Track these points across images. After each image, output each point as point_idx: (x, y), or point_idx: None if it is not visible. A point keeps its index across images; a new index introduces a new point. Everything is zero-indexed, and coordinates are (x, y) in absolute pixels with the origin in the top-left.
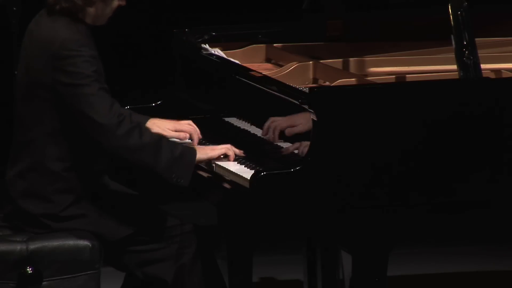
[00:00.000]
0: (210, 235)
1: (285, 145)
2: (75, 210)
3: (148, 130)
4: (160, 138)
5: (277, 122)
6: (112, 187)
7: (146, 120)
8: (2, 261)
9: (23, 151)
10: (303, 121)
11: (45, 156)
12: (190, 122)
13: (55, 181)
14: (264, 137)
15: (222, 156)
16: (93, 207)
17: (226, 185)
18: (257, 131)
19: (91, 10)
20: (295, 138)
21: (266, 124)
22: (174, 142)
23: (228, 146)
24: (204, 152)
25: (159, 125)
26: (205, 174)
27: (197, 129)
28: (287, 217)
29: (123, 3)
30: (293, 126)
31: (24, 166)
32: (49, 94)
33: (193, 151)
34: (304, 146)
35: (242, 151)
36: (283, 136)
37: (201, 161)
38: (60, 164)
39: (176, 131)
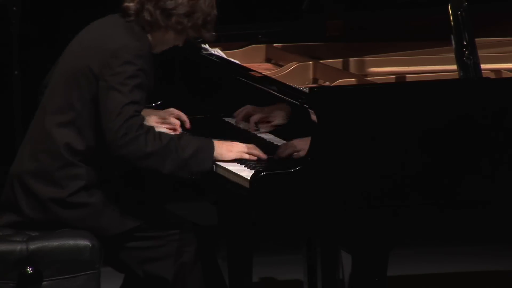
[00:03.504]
0: (210, 235)
1: (276, 140)
2: (81, 198)
3: (157, 135)
4: (169, 141)
5: (251, 110)
6: (117, 183)
7: None
8: (2, 261)
9: (39, 133)
10: (277, 115)
11: (61, 142)
12: (174, 111)
13: (66, 167)
14: (249, 129)
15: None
16: (98, 198)
17: (226, 185)
18: (257, 131)
19: (164, 34)
20: (286, 133)
21: (240, 109)
22: (190, 139)
23: (246, 152)
24: (220, 153)
25: (147, 119)
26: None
27: (184, 117)
28: (287, 217)
29: (181, 44)
30: (268, 120)
31: (38, 147)
32: (92, 86)
33: (211, 147)
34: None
35: (265, 156)
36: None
37: (216, 160)
38: (74, 151)
39: (164, 121)
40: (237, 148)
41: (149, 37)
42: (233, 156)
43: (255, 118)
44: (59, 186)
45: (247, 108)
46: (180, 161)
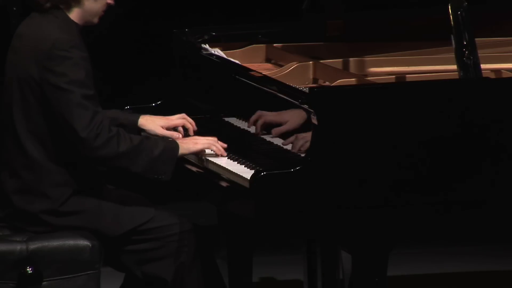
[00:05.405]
0: (210, 235)
1: (275, 140)
2: (74, 206)
3: (128, 136)
4: (140, 142)
5: (264, 116)
6: (110, 185)
7: (137, 118)
8: (2, 261)
9: (12, 150)
10: (290, 118)
11: (35, 152)
12: (181, 115)
13: (49, 175)
14: (249, 129)
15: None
16: (92, 203)
17: (226, 185)
18: (265, 135)
19: (82, 5)
20: (286, 134)
21: (253, 117)
22: (156, 140)
23: (211, 141)
24: (187, 148)
25: (150, 124)
26: (205, 174)
27: (189, 119)
28: (287, 217)
29: (112, 1)
30: (280, 123)
31: (15, 164)
32: (36, 93)
33: (175, 147)
34: (301, 141)
35: (225, 145)
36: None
37: (184, 155)
38: (51, 159)
39: (168, 128)
40: (201, 140)
41: (73, 17)
42: (200, 147)
43: (262, 121)
44: (48, 198)
45: (260, 115)
46: (150, 159)
